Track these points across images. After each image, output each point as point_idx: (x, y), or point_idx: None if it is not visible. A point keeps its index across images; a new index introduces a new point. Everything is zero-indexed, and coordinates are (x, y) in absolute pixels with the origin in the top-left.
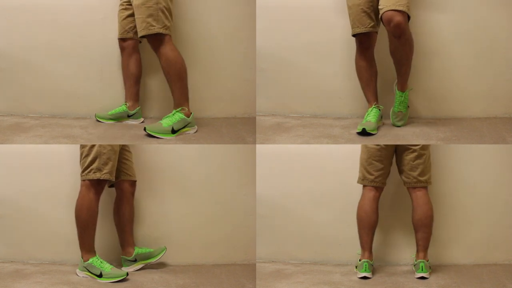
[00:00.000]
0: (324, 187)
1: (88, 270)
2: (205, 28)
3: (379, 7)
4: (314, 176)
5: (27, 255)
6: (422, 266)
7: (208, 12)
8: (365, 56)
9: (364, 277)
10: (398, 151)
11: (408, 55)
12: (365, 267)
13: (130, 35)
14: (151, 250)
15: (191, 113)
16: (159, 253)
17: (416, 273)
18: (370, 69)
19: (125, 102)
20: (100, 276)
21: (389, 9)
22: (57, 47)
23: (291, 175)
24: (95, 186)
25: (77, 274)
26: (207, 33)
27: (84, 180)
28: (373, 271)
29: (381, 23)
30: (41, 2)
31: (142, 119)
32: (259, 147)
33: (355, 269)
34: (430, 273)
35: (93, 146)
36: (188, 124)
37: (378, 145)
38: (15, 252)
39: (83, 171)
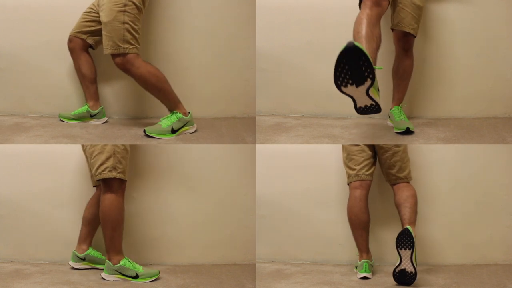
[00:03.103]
0: (324, 187)
1: (120, 273)
2: (205, 28)
3: (394, 20)
4: (314, 176)
5: (27, 255)
6: (365, 266)
7: (208, 12)
8: (371, 12)
9: (364, 277)
10: (376, 150)
11: (410, 68)
12: (365, 268)
13: (83, 37)
14: (103, 257)
15: (188, 112)
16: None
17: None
18: (373, 27)
19: (86, 102)
20: (136, 277)
21: (404, 30)
22: (57, 47)
23: (291, 175)
24: (119, 184)
25: (103, 279)
26: (207, 33)
27: (102, 180)
28: (373, 271)
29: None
30: (41, 2)
31: (105, 119)
32: (259, 147)
33: (355, 269)
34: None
35: (105, 144)
36: (187, 123)
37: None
38: (15, 252)
39: (97, 169)
